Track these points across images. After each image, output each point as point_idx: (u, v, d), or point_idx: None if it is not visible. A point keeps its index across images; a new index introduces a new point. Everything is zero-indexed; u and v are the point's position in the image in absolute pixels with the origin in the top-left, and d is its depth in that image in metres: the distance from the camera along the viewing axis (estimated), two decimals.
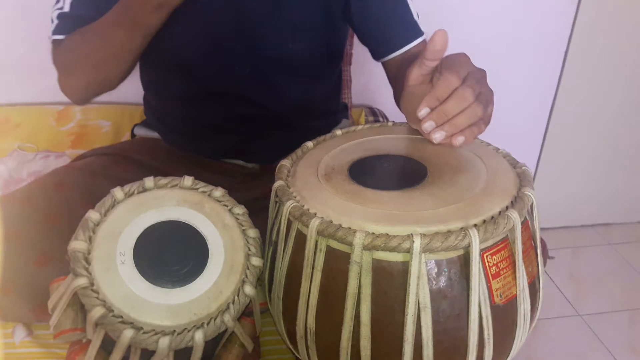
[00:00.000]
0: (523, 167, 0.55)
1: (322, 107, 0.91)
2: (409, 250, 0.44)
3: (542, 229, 1.87)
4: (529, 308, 0.50)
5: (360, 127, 0.66)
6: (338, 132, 0.65)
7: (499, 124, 1.35)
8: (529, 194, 0.50)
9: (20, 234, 0.70)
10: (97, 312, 0.46)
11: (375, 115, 1.29)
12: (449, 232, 0.45)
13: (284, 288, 0.52)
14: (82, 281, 0.47)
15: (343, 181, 0.54)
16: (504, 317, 0.48)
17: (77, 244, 0.49)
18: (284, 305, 0.53)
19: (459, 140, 0.51)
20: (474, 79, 0.52)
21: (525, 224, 0.50)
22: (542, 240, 0.74)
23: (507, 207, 0.48)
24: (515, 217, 0.47)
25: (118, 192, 0.52)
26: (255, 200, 0.85)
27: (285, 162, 0.58)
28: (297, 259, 0.50)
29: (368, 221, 0.46)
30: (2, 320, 0.70)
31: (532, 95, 1.43)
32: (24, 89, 1.22)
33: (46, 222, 0.72)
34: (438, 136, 0.51)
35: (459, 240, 0.45)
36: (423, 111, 0.52)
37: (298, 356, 0.55)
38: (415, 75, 0.56)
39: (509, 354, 0.51)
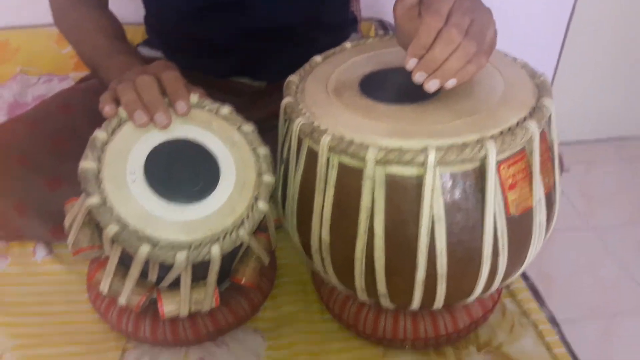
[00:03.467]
0: (541, 77, 0.52)
1: (330, 20, 0.87)
2: (423, 164, 0.44)
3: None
4: (544, 219, 0.50)
5: (370, 39, 0.63)
6: (347, 45, 0.62)
7: (516, 33, 1.30)
8: (547, 104, 0.48)
9: (29, 157, 0.70)
10: (112, 229, 0.46)
11: (385, 29, 1.23)
12: (465, 144, 0.44)
13: (297, 203, 0.52)
14: (94, 199, 0.47)
15: (354, 96, 0.52)
16: (519, 228, 0.48)
17: (86, 164, 0.48)
18: (298, 220, 0.53)
19: (449, 83, 0.46)
20: (459, 12, 0.46)
21: (543, 135, 0.49)
22: (559, 153, 0.73)
23: (524, 118, 0.47)
24: (533, 127, 0.46)
25: (123, 111, 0.51)
26: (264, 119, 0.84)
27: (294, 78, 0.56)
28: (309, 176, 0.50)
29: (380, 136, 0.45)
30: (22, 240, 0.72)
31: (550, 3, 1.36)
32: (23, 11, 1.17)
33: (53, 144, 0.72)
34: (431, 85, 0.47)
35: (475, 153, 0.44)
36: (410, 62, 0.47)
37: (314, 268, 0.56)
38: (400, 13, 0.50)
39: (524, 263, 0.52)
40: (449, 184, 0.45)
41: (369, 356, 0.58)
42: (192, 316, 0.58)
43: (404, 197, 0.46)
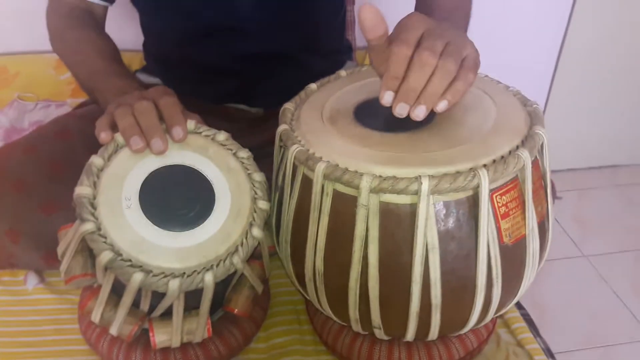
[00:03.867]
0: (534, 105, 0.53)
1: (326, 46, 0.88)
2: (416, 192, 0.44)
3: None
4: (537, 248, 0.50)
5: (365, 67, 0.64)
6: (342, 73, 0.63)
7: (508, 62, 1.32)
8: (540, 132, 0.49)
9: (24, 183, 0.70)
10: (105, 256, 0.46)
11: None
12: (458, 172, 0.44)
13: (291, 232, 0.52)
14: (89, 226, 0.47)
15: (349, 124, 0.52)
16: (513, 257, 0.48)
17: (82, 190, 0.48)
18: (292, 249, 0.53)
19: (440, 106, 0.45)
20: (431, 37, 0.45)
21: (535, 164, 0.49)
22: (550, 181, 0.73)
23: (517, 147, 0.47)
24: (525, 156, 0.46)
25: (120, 137, 0.51)
26: (260, 146, 0.84)
27: (289, 106, 0.57)
28: (303, 203, 0.50)
29: (375, 164, 0.46)
30: (13, 268, 0.71)
31: (542, 33, 1.38)
32: (22, 37, 1.19)
33: (50, 170, 0.72)
34: (418, 113, 0.45)
35: (468, 181, 0.44)
36: (385, 96, 0.45)
37: (307, 297, 0.56)
38: (376, 59, 0.49)
39: (518, 293, 0.52)
40: (443, 212, 0.45)
41: None
42: (184, 346, 0.57)
43: (397, 225, 0.46)
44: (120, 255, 0.47)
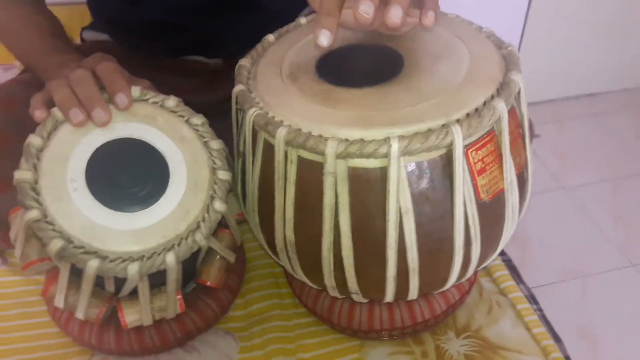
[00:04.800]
0: (509, 48, 0.49)
1: None
2: (386, 156, 0.40)
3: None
4: (517, 200, 0.48)
5: None
6: (302, 20, 0.58)
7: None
8: (516, 79, 0.45)
9: None
10: (55, 245, 0.43)
11: None
12: (430, 130, 0.41)
13: (257, 201, 0.49)
14: (33, 214, 0.43)
15: (311, 80, 0.48)
16: (491, 212, 0.46)
17: (21, 174, 0.44)
18: (260, 218, 0.50)
19: (429, 17, 0.40)
20: None
21: (512, 112, 0.46)
22: (528, 120, 0.70)
23: (492, 96, 0.44)
24: (501, 107, 0.43)
25: (58, 112, 0.46)
26: (223, 101, 0.79)
27: (245, 62, 0.52)
28: (267, 171, 0.46)
29: (340, 126, 0.42)
30: None
31: None
32: None
33: None
34: (394, 14, 0.38)
35: (441, 139, 0.41)
36: (322, 37, 0.41)
37: (281, 265, 0.54)
38: None
39: (498, 247, 0.50)
40: (416, 173, 0.42)
41: (346, 350, 0.57)
42: (158, 323, 0.55)
43: (368, 190, 0.43)
44: (72, 242, 0.43)
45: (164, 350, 0.57)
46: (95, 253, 0.43)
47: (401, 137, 0.40)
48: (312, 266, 0.48)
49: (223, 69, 0.81)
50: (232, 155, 0.53)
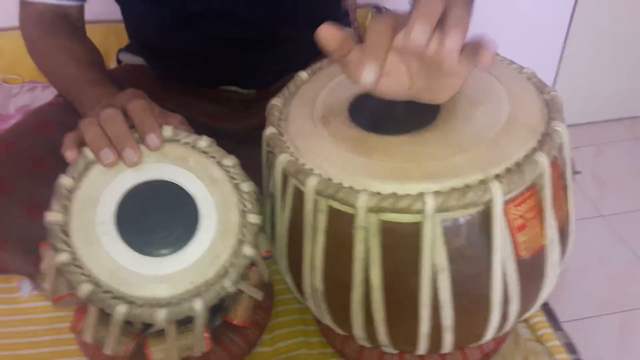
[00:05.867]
0: (552, 93, 0.47)
1: (319, 17, 0.81)
2: (420, 212, 0.39)
3: None
4: (558, 256, 0.46)
5: None
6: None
7: (522, 12, 1.23)
8: (560, 129, 0.43)
9: (6, 184, 0.66)
10: (83, 289, 0.43)
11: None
12: (467, 186, 0.39)
13: (286, 246, 0.48)
14: (63, 257, 0.43)
15: (343, 124, 0.47)
16: (531, 270, 0.44)
17: (52, 216, 0.44)
18: (289, 262, 0.49)
19: (487, 55, 0.37)
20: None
21: (554, 163, 0.44)
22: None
23: (533, 149, 0.42)
24: (543, 161, 0.40)
25: (89, 152, 0.46)
26: (255, 128, 0.79)
27: (277, 102, 0.51)
28: (297, 217, 0.45)
29: (372, 178, 0.41)
30: (5, 274, 0.68)
31: None
32: (2, 11, 1.12)
33: (33, 168, 0.67)
34: (451, 43, 0.36)
35: (479, 196, 0.39)
36: (366, 74, 0.39)
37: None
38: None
39: (537, 303, 0.47)
40: (451, 230, 0.40)
41: None
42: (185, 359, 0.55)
43: (401, 245, 0.41)
44: (100, 287, 0.43)
45: None
46: (123, 298, 0.43)
47: (436, 193, 0.39)
48: (341, 316, 0.47)
49: (256, 99, 0.81)
50: (261, 188, 0.52)
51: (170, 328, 0.47)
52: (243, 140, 0.77)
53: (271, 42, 0.75)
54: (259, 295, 0.54)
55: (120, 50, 0.88)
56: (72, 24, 0.70)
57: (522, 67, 0.51)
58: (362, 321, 0.45)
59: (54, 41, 0.66)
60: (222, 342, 0.57)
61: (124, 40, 0.92)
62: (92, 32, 1.10)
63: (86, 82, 0.61)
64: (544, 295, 0.47)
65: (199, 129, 0.79)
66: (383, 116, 0.47)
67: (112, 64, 1.03)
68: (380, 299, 0.43)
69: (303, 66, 0.79)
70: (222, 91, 0.81)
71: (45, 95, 1.02)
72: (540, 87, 0.48)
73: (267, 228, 0.52)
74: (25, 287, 0.68)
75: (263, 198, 0.52)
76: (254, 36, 0.73)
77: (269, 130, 0.48)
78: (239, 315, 0.54)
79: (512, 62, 0.52)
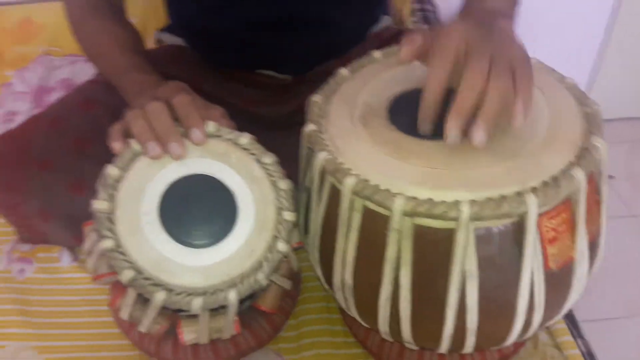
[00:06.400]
0: (593, 107, 0.47)
1: (356, 2, 0.81)
2: (455, 219, 0.40)
3: None
4: (586, 269, 0.46)
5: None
6: (376, 54, 0.57)
7: (563, 5, 1.20)
8: (599, 144, 0.43)
9: (51, 161, 0.68)
10: (126, 275, 0.45)
11: (422, 2, 1.16)
12: (503, 197, 0.40)
13: (319, 239, 0.50)
14: (108, 244, 0.45)
15: (382, 126, 0.48)
16: (558, 281, 0.45)
17: (99, 204, 0.46)
18: (320, 255, 0.51)
19: (519, 113, 0.41)
20: (476, 48, 0.41)
21: (591, 178, 0.44)
22: None
23: (570, 163, 0.42)
24: (580, 177, 0.41)
25: (135, 143, 0.48)
26: (290, 114, 0.80)
27: (317, 98, 0.52)
28: (332, 213, 0.47)
29: (409, 183, 0.42)
30: (47, 244, 0.72)
31: None
32: None
33: (76, 145, 0.70)
34: (480, 137, 0.40)
35: (514, 208, 0.39)
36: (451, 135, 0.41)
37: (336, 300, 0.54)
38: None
39: (561, 312, 0.48)
40: (484, 239, 0.41)
41: None
42: (214, 340, 0.57)
43: (433, 249, 0.42)
44: (141, 273, 0.45)
45: None
46: (162, 286, 0.45)
47: (472, 202, 0.40)
48: (368, 311, 0.49)
49: (292, 84, 0.82)
50: (295, 174, 0.54)
51: (204, 313, 0.50)
52: (278, 124, 0.79)
53: (312, 28, 0.75)
54: (287, 284, 0.56)
55: (160, 31, 0.90)
56: (114, 5, 0.71)
57: (563, 77, 0.51)
58: (388, 318, 0.47)
59: (99, 23, 0.68)
60: (250, 326, 0.60)
61: (161, 16, 0.93)
62: (133, 5, 1.11)
63: (130, 67, 0.62)
64: (568, 305, 0.48)
65: (236, 113, 0.81)
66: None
67: (150, 38, 1.04)
68: (407, 299, 0.44)
69: (340, 54, 0.81)
70: (259, 75, 0.83)
71: (87, 68, 1.04)
72: (581, 98, 0.48)
73: (300, 220, 0.53)
74: (65, 258, 0.71)
75: (298, 190, 0.54)
76: (287, 21, 0.74)
77: (309, 127, 0.49)
78: (267, 302, 0.57)
79: (554, 71, 0.52)
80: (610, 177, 0.71)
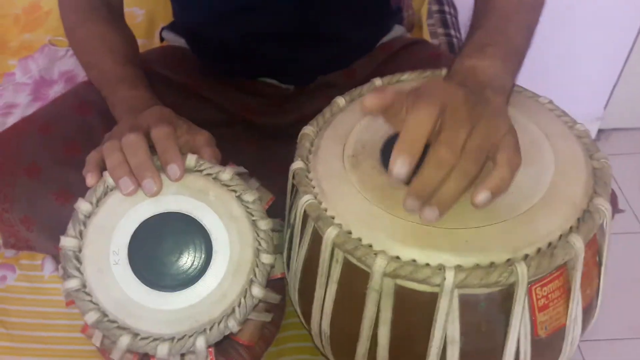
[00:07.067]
0: (602, 160, 0.43)
1: (367, 15, 0.77)
2: (439, 285, 0.37)
3: (612, 130, 1.57)
4: (578, 333, 0.43)
5: (405, 75, 0.54)
6: (377, 81, 0.54)
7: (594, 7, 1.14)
8: (603, 208, 0.40)
9: (38, 168, 0.66)
10: (90, 317, 0.43)
11: (440, 4, 1.11)
12: (492, 265, 0.37)
13: (299, 283, 0.47)
14: (73, 283, 0.43)
15: (372, 168, 0.45)
16: (547, 347, 0.42)
17: (67, 241, 0.44)
18: (300, 297, 0.49)
19: (481, 197, 0.37)
20: (453, 122, 0.37)
21: (592, 241, 0.41)
22: (612, 192, 0.64)
23: (570, 228, 0.39)
24: (579, 245, 0.38)
25: (109, 177, 0.45)
26: (290, 124, 0.77)
27: (309, 130, 0.49)
28: (313, 258, 0.44)
29: (393, 240, 0.39)
30: (32, 251, 0.70)
31: None
32: None
33: (65, 152, 0.68)
34: (429, 215, 0.37)
35: (504, 278, 0.37)
36: (397, 169, 0.37)
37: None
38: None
39: None
40: (468, 305, 0.38)
41: None
42: None
43: (415, 311, 0.40)
44: (107, 316, 0.43)
45: None
46: (127, 329, 0.43)
47: (458, 268, 0.37)
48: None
49: (294, 94, 0.79)
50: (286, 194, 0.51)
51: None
52: (278, 134, 0.76)
53: (319, 40, 0.72)
54: (268, 318, 0.54)
55: (164, 28, 0.87)
56: (111, 8, 0.68)
57: (574, 122, 0.48)
58: None
59: (92, 28, 0.65)
60: (228, 354, 0.58)
61: (169, 9, 0.90)
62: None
63: (119, 80, 0.60)
64: None
65: (235, 121, 0.78)
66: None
67: (158, 31, 1.00)
68: (385, 357, 0.42)
69: (345, 66, 0.78)
70: (260, 84, 0.80)
71: (73, 61, 1.01)
72: (591, 149, 0.45)
73: (285, 253, 0.51)
74: (48, 266, 0.70)
75: (285, 222, 0.51)
76: (295, 32, 0.71)
77: (297, 164, 0.46)
78: (246, 335, 0.54)
79: (565, 114, 0.48)
80: (620, 211, 0.68)
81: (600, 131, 1.42)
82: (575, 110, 0.51)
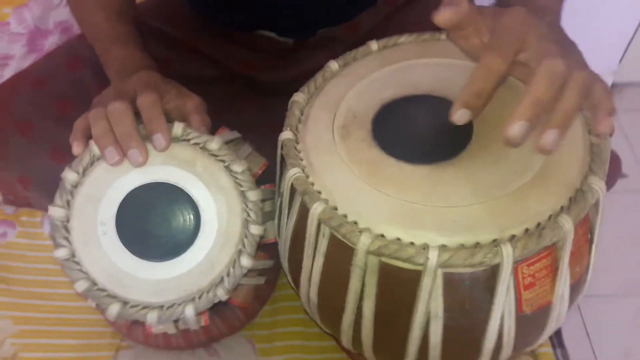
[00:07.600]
0: (601, 138, 0.42)
1: None
2: (422, 264, 0.37)
3: (626, 84, 1.50)
4: (565, 309, 0.43)
5: (403, 38, 0.52)
6: (373, 45, 0.52)
7: None
8: (596, 187, 0.39)
9: (32, 125, 0.66)
10: (80, 286, 0.44)
11: None
12: (477, 245, 0.37)
13: (288, 251, 0.47)
14: (62, 253, 0.44)
15: (362, 140, 0.44)
16: (531, 323, 0.42)
17: (55, 211, 0.44)
18: (289, 265, 0.49)
19: (607, 123, 0.35)
20: (545, 41, 0.35)
21: (584, 220, 0.40)
22: (615, 157, 0.62)
23: (561, 208, 0.38)
24: (568, 226, 0.37)
25: (96, 147, 0.45)
26: (289, 80, 0.75)
27: (299, 98, 0.48)
28: (301, 230, 0.44)
29: (378, 217, 0.38)
30: (31, 208, 0.71)
31: None
32: None
33: (58, 109, 0.67)
34: (551, 140, 0.34)
35: (488, 259, 0.36)
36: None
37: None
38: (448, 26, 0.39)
39: (531, 347, 0.46)
40: (452, 283, 0.38)
41: None
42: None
43: (398, 287, 0.40)
44: (96, 284, 0.44)
45: (187, 349, 0.60)
46: (117, 298, 0.44)
47: (442, 248, 0.36)
48: (332, 328, 0.47)
49: (293, 49, 0.77)
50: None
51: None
52: (276, 91, 0.75)
53: None
54: (260, 280, 0.55)
55: None
56: None
57: None
58: (350, 339, 0.45)
59: None
60: (223, 314, 0.59)
61: None
62: None
63: (112, 39, 0.58)
64: (540, 341, 0.45)
65: (232, 77, 0.76)
66: (407, 134, 0.44)
67: None
68: (369, 329, 0.43)
69: (346, 19, 0.74)
70: (258, 37, 0.77)
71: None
72: (591, 123, 0.43)
73: (276, 220, 0.51)
74: (47, 224, 0.70)
75: (276, 190, 0.51)
76: None
77: (285, 135, 0.45)
78: (240, 297, 0.55)
79: None
80: (623, 176, 0.66)
81: (613, 85, 1.38)
82: (589, 62, 0.49)
